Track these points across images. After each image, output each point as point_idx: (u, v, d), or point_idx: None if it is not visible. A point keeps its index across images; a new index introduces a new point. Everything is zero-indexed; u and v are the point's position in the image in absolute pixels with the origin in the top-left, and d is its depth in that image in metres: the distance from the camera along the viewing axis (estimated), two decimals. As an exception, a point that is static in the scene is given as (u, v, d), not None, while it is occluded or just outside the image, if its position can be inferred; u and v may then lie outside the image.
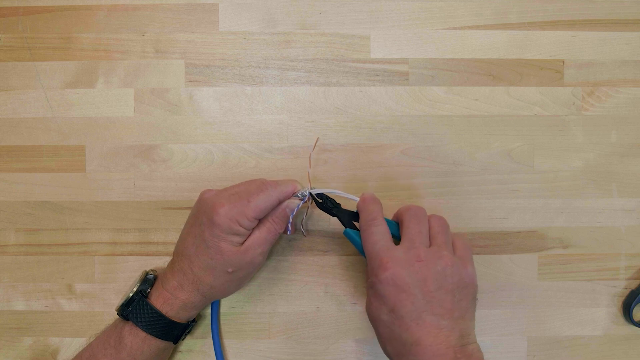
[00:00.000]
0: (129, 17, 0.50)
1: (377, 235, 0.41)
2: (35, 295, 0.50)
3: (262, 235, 0.42)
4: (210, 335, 0.49)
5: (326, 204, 0.45)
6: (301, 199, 0.43)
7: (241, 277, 0.43)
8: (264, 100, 0.50)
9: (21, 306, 0.50)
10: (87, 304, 0.50)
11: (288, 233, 0.44)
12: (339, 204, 0.45)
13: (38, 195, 0.50)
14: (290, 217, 0.43)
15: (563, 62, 0.51)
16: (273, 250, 0.50)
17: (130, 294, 0.43)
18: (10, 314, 0.50)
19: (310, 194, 0.44)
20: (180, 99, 0.50)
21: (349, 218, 0.45)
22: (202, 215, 0.42)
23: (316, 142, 0.48)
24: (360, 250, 0.43)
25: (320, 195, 0.45)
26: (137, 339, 0.42)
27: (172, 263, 0.44)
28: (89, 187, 0.50)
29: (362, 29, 0.50)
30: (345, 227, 0.45)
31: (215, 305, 0.49)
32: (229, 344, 0.49)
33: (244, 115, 0.50)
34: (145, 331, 0.42)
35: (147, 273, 0.45)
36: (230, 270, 0.42)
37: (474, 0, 0.51)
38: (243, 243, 0.42)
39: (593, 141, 0.50)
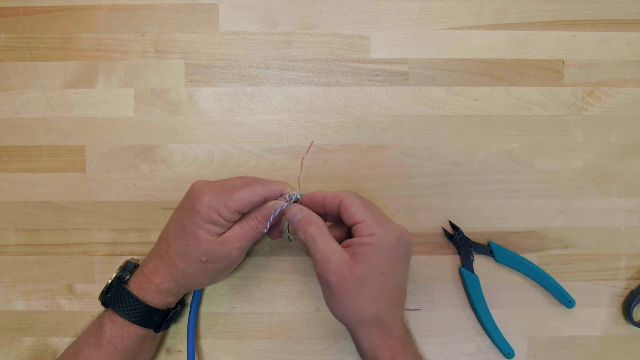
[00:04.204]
0: (129, 17, 0.50)
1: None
2: (35, 295, 0.50)
3: (241, 231, 0.42)
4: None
5: (457, 236, 0.49)
6: (287, 201, 0.43)
7: (215, 269, 0.43)
8: (264, 100, 0.50)
9: (21, 306, 0.50)
10: (87, 304, 0.50)
11: (265, 230, 0.43)
12: (470, 241, 0.49)
13: (38, 195, 0.50)
14: (272, 216, 0.42)
15: (563, 62, 0.51)
16: (273, 250, 0.50)
17: (109, 281, 0.44)
18: (10, 314, 0.50)
19: (298, 197, 0.43)
20: (180, 99, 0.50)
21: (469, 258, 0.49)
22: (186, 202, 0.42)
23: (310, 145, 0.48)
24: (468, 292, 0.48)
25: (454, 226, 0.49)
26: (115, 325, 0.42)
27: (152, 248, 0.45)
28: (89, 187, 0.50)
29: (362, 29, 0.50)
30: (463, 265, 0.49)
31: (195, 299, 0.48)
32: (229, 343, 0.49)
33: (244, 115, 0.50)
34: (122, 317, 0.42)
35: (128, 261, 0.46)
36: (204, 259, 0.42)
37: (474, 0, 0.51)
38: (221, 235, 0.42)
39: (593, 141, 0.50)
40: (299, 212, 0.42)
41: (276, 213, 0.42)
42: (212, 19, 0.50)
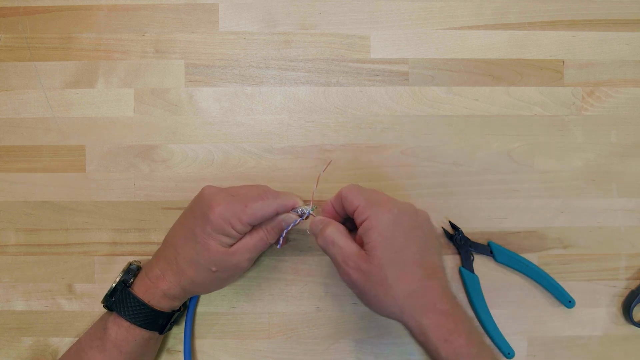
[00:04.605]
0: (129, 17, 0.50)
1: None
2: (35, 295, 0.50)
3: (252, 242, 0.42)
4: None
5: (457, 236, 0.49)
6: (300, 216, 0.43)
7: (224, 278, 0.44)
8: (264, 100, 0.50)
9: (21, 306, 0.50)
10: (87, 304, 0.50)
11: (278, 247, 0.44)
12: (470, 241, 0.49)
13: (38, 195, 0.50)
14: (285, 231, 0.43)
15: (563, 62, 0.51)
16: (273, 251, 0.50)
17: (114, 285, 0.44)
18: (10, 314, 0.50)
19: (310, 213, 0.43)
20: (180, 99, 0.50)
21: (469, 258, 0.49)
22: (198, 209, 0.42)
23: (328, 164, 0.47)
24: (468, 292, 0.48)
25: (454, 226, 0.49)
26: (121, 329, 0.42)
27: (158, 251, 0.45)
28: (89, 187, 0.50)
29: (362, 29, 0.50)
30: (463, 265, 0.49)
31: (192, 303, 0.48)
32: (229, 343, 0.49)
33: (244, 115, 0.50)
34: (128, 320, 0.42)
35: (130, 264, 0.46)
36: (214, 269, 0.42)
37: (474, 0, 0.51)
38: (232, 245, 0.42)
39: (593, 141, 0.50)
40: (320, 223, 0.42)
41: (289, 228, 0.43)
42: (212, 19, 0.50)
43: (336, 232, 0.41)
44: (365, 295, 0.40)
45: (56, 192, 0.50)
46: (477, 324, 0.49)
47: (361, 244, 0.40)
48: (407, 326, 0.40)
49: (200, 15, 0.50)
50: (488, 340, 0.48)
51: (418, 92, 0.50)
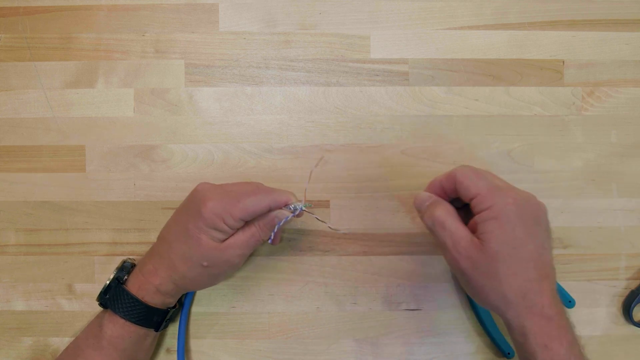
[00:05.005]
0: (129, 17, 0.50)
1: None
2: (35, 295, 0.50)
3: (244, 238, 0.42)
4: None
5: None
6: (292, 212, 0.42)
7: (215, 273, 0.43)
8: (264, 100, 0.50)
9: (21, 306, 0.50)
10: (87, 304, 0.50)
11: (269, 241, 0.44)
12: None
13: (38, 195, 0.50)
14: (276, 227, 0.42)
15: (563, 62, 0.51)
16: (273, 251, 0.50)
17: (108, 282, 0.44)
18: (10, 314, 0.50)
19: (303, 209, 0.43)
20: (180, 99, 0.50)
21: None
22: (191, 205, 0.42)
23: (320, 159, 0.47)
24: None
25: None
26: (116, 326, 0.42)
27: (152, 247, 0.45)
28: (89, 187, 0.50)
29: (362, 29, 0.50)
30: None
31: (187, 302, 0.48)
32: (229, 343, 0.49)
33: (244, 115, 0.50)
34: (122, 317, 0.42)
35: (124, 261, 0.46)
36: (205, 264, 0.42)
37: (474, 0, 0.51)
38: (224, 241, 0.42)
39: (593, 141, 0.50)
40: (427, 199, 0.41)
41: (281, 224, 0.42)
42: (212, 19, 0.51)
43: (447, 215, 0.39)
44: (471, 283, 0.39)
45: (56, 192, 0.50)
46: (477, 323, 0.49)
47: (473, 230, 0.39)
48: (508, 324, 0.39)
49: (200, 15, 0.50)
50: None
51: (418, 92, 0.50)
